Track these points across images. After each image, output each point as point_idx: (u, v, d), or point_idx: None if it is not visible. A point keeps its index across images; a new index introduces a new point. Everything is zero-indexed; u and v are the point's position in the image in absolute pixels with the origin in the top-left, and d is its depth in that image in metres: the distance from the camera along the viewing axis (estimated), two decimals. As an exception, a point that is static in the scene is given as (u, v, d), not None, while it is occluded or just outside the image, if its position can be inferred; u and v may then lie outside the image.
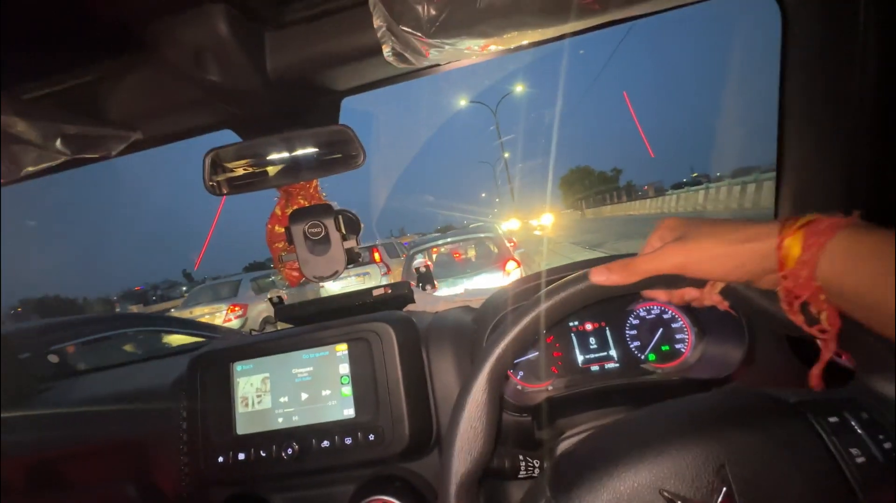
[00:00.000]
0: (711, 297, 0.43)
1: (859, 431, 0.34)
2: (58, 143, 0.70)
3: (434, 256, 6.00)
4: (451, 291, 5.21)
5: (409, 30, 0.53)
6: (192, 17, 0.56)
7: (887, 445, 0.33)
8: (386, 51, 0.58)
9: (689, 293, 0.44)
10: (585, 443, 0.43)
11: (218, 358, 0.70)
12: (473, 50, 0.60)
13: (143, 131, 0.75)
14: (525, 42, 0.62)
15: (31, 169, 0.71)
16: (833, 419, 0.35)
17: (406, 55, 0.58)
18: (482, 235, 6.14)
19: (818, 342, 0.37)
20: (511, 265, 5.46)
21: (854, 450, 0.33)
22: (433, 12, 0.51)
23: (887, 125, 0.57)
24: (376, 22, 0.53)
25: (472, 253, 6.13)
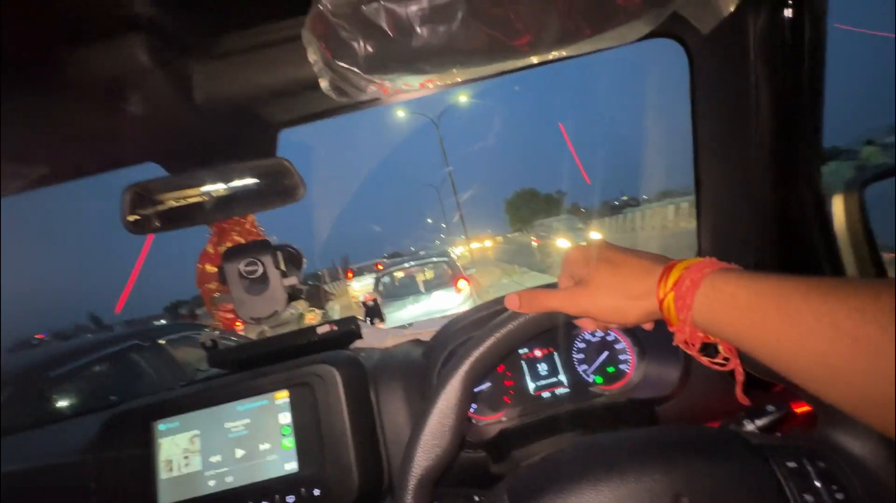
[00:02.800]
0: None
1: (815, 480, 0.36)
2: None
3: (399, 277, 7.10)
4: (414, 308, 6.28)
5: (346, 65, 0.53)
6: (107, 45, 0.52)
7: (840, 496, 0.35)
8: (324, 84, 0.57)
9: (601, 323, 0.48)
10: (545, 463, 0.42)
11: (136, 417, 0.62)
12: (412, 86, 0.60)
13: (50, 166, 0.67)
14: (463, 78, 0.63)
15: None
16: (792, 464, 0.36)
17: (344, 89, 0.58)
18: (437, 260, 7.31)
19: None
20: (462, 283, 6.65)
21: (808, 497, 0.35)
22: (369, 49, 0.51)
23: (783, 153, 0.65)
24: (311, 56, 0.53)
25: (429, 274, 7.15)
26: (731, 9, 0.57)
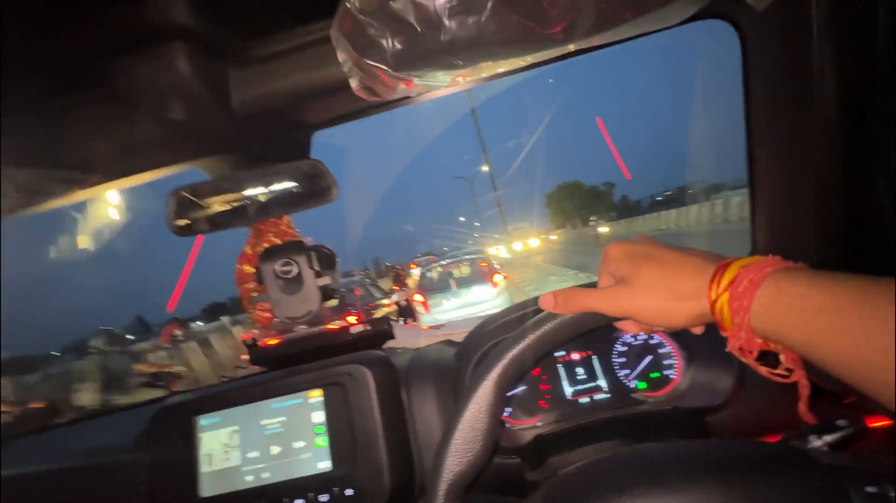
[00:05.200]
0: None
1: None
2: (13, 188, 0.67)
3: (437, 273, 7.93)
4: (455, 300, 7.14)
5: (375, 63, 0.52)
6: (153, 55, 0.54)
7: None
8: (353, 84, 0.57)
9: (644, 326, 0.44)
10: (585, 472, 0.40)
11: (180, 411, 0.64)
12: (442, 81, 0.59)
13: (102, 172, 0.72)
14: (494, 72, 0.62)
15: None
16: (871, 489, 0.32)
17: (374, 88, 0.57)
18: (473, 256, 8.31)
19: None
20: (498, 277, 7.31)
21: None
22: (398, 46, 0.50)
23: (852, 139, 0.58)
24: (340, 56, 0.53)
25: (465, 270, 7.87)
26: None
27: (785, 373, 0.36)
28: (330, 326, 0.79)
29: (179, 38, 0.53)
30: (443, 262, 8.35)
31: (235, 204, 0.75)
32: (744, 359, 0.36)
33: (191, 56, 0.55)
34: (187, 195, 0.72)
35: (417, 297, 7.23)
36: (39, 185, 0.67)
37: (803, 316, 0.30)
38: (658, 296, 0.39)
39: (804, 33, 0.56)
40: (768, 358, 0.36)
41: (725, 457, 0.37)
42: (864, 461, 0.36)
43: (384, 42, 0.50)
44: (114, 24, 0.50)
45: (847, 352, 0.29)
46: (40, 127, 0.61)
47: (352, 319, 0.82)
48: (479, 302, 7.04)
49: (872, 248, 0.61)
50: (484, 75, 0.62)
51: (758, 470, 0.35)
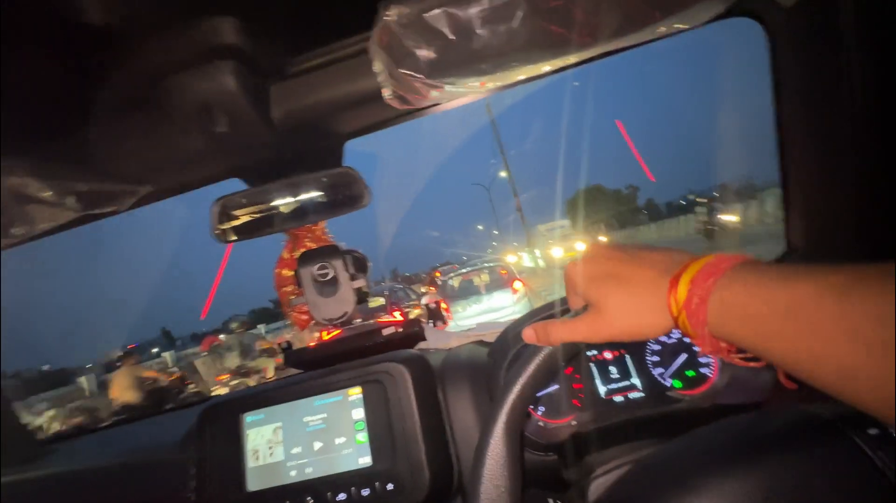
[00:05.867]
0: None
1: None
2: (70, 200, 0.72)
3: (458, 281, 8.34)
4: (476, 307, 7.48)
5: (409, 72, 0.55)
6: (202, 73, 0.58)
7: None
8: (386, 94, 0.60)
9: None
10: (620, 485, 0.40)
11: (227, 409, 0.67)
12: (472, 87, 0.61)
13: (153, 184, 0.76)
14: (521, 77, 0.63)
15: (42, 227, 0.72)
16: (874, 431, 0.33)
17: (406, 97, 0.60)
18: (493, 264, 8.74)
19: None
20: (517, 284, 7.61)
21: None
22: (432, 55, 0.52)
23: (884, 135, 0.57)
24: (376, 67, 0.55)
25: (485, 277, 8.22)
26: None
27: (756, 358, 0.36)
28: (372, 323, 0.81)
29: (228, 57, 0.56)
30: (462, 271, 8.69)
31: (274, 211, 0.79)
32: (715, 356, 0.37)
33: (237, 73, 0.58)
34: (229, 203, 0.76)
35: (441, 305, 7.51)
36: (102, 198, 0.72)
37: (747, 326, 0.31)
38: (630, 317, 0.39)
39: (832, 30, 0.56)
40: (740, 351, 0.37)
41: (739, 437, 0.38)
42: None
43: (419, 52, 0.53)
44: (169, 47, 0.55)
45: (789, 355, 0.29)
46: (101, 143, 0.66)
47: (398, 315, 0.85)
48: (500, 308, 7.25)
49: None
50: (512, 80, 0.64)
51: (771, 440, 0.36)
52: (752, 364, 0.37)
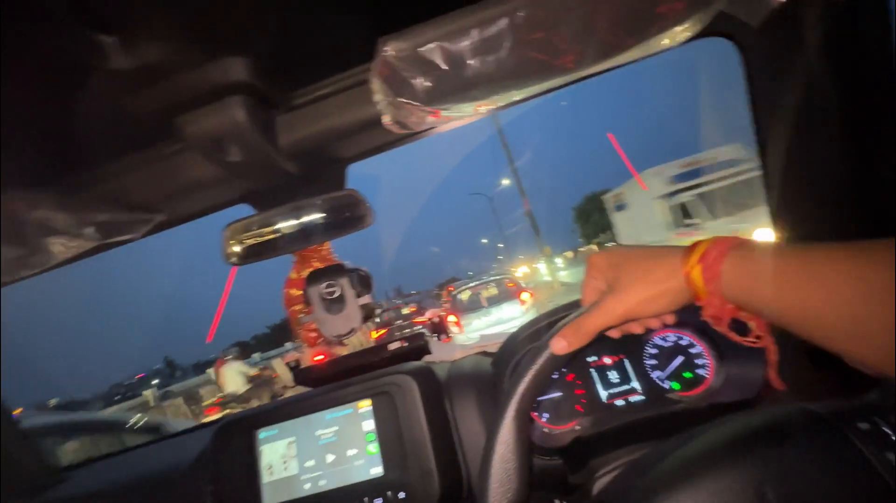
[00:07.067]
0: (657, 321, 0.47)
1: (892, 435, 0.34)
2: (90, 230, 0.76)
3: (467, 295, 8.62)
4: (486, 318, 7.72)
5: (407, 101, 0.59)
6: (214, 108, 0.62)
7: None
8: (386, 120, 0.64)
9: (653, 322, 0.47)
10: (618, 481, 0.43)
11: (241, 426, 0.70)
12: (466, 111, 0.66)
13: (167, 213, 0.80)
14: (514, 99, 0.68)
15: (63, 257, 0.76)
16: (864, 426, 0.35)
17: (405, 122, 0.64)
18: (500, 277, 9.05)
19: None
20: (525, 295, 8.04)
21: (890, 455, 0.33)
22: (428, 84, 0.57)
23: (855, 140, 0.61)
24: (377, 97, 0.60)
25: (493, 290, 8.57)
26: None
27: (754, 339, 0.39)
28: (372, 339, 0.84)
29: (239, 92, 0.61)
30: (471, 285, 9.06)
31: (281, 233, 0.82)
32: (717, 328, 0.40)
33: (247, 107, 0.63)
34: (239, 228, 0.80)
35: (451, 318, 7.80)
36: (118, 227, 0.75)
37: (761, 278, 0.34)
38: (641, 289, 0.43)
39: (799, 44, 0.60)
40: (742, 330, 0.40)
41: (735, 432, 0.39)
42: (856, 401, 0.39)
43: (415, 82, 0.57)
44: (184, 86, 0.59)
45: (796, 306, 0.32)
46: (119, 174, 0.70)
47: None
48: (509, 319, 7.49)
49: (884, 235, 0.63)
50: (503, 104, 0.68)
51: (765, 434, 0.37)
52: (744, 341, 0.39)
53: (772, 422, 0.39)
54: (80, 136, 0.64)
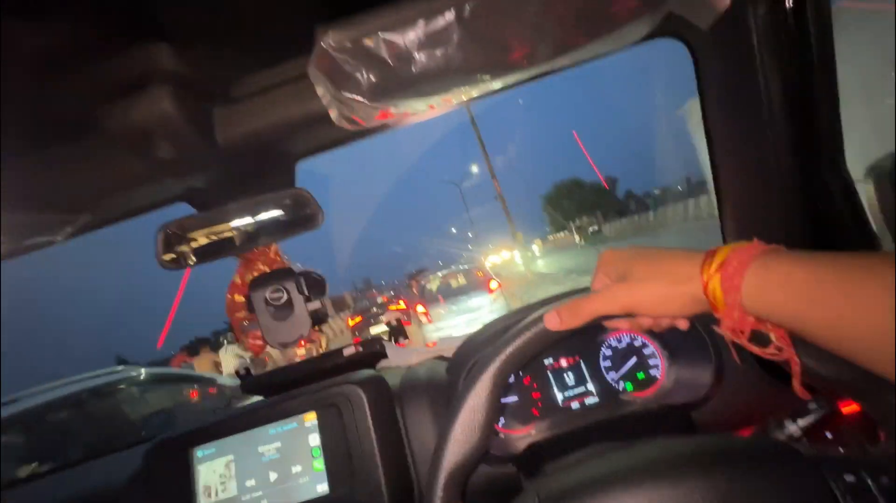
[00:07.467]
0: (669, 321, 0.44)
1: (879, 497, 0.32)
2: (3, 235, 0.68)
3: (436, 285, 8.82)
4: (454, 307, 7.88)
5: (353, 96, 0.55)
6: (138, 98, 0.56)
7: None
8: (334, 115, 0.60)
9: (646, 320, 0.45)
10: (577, 469, 0.41)
11: (175, 445, 0.64)
12: (417, 108, 0.63)
13: (92, 212, 0.73)
14: (466, 97, 0.65)
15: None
16: (850, 478, 0.33)
17: (354, 119, 0.60)
18: (468, 267, 9.35)
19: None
20: (493, 284, 8.12)
21: None
22: (373, 79, 0.53)
23: (800, 137, 0.63)
24: (319, 91, 0.56)
25: (462, 280, 8.78)
26: (728, 3, 0.57)
27: (775, 351, 0.37)
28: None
29: (165, 81, 0.55)
30: (440, 274, 9.19)
31: (223, 235, 0.77)
32: (737, 340, 0.37)
33: (176, 97, 0.57)
34: (175, 229, 0.74)
35: (420, 309, 7.78)
36: (35, 229, 0.68)
37: (790, 291, 0.32)
38: (654, 285, 0.40)
39: (748, 46, 0.61)
40: (760, 340, 0.37)
41: (710, 451, 0.38)
42: (846, 452, 0.38)
43: (360, 76, 0.53)
44: (102, 72, 0.53)
45: (830, 321, 0.31)
46: (35, 172, 0.63)
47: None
48: (478, 308, 7.63)
49: (831, 239, 0.65)
50: (456, 101, 0.65)
51: (741, 462, 0.36)
52: (764, 353, 0.37)
53: (751, 449, 0.38)
54: None
